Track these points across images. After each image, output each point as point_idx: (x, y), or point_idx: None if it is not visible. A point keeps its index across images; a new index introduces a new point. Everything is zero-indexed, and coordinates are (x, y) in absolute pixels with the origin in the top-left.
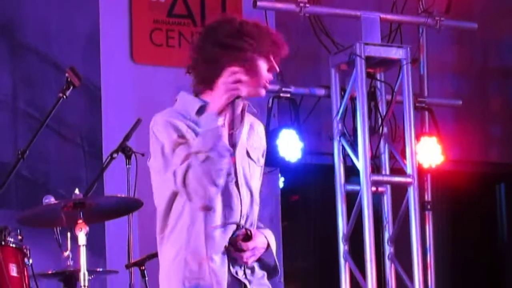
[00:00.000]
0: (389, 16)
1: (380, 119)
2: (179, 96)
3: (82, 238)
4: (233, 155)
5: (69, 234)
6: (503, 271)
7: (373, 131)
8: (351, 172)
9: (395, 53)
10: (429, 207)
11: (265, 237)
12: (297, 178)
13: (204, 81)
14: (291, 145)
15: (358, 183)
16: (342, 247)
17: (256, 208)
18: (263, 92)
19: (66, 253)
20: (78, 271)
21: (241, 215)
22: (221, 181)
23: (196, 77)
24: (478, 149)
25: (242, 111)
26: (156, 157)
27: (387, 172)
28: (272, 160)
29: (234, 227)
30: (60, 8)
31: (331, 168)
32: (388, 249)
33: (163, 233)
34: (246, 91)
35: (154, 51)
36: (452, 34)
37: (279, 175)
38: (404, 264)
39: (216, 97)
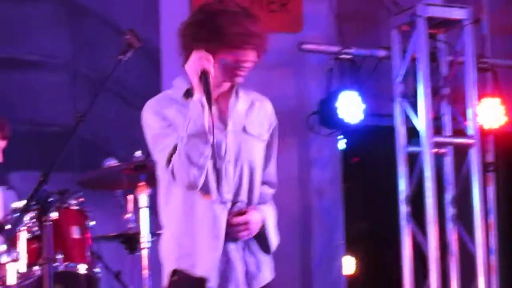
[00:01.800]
0: None
1: (441, 80)
2: (175, 81)
3: (143, 200)
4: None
5: (130, 196)
6: None
7: (435, 93)
8: (412, 134)
9: (457, 13)
10: (491, 168)
11: (262, 213)
12: (358, 140)
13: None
14: (352, 107)
15: (420, 144)
16: (404, 209)
17: (255, 183)
18: (236, 80)
19: (127, 215)
20: (139, 233)
21: (232, 192)
22: (201, 162)
23: (184, 62)
24: None
25: (232, 88)
26: (148, 141)
27: (449, 134)
28: (333, 122)
29: (228, 204)
30: None
31: (392, 130)
32: (450, 211)
33: (162, 209)
34: (221, 78)
35: None
36: None
37: (340, 136)
38: (466, 225)
39: (192, 82)
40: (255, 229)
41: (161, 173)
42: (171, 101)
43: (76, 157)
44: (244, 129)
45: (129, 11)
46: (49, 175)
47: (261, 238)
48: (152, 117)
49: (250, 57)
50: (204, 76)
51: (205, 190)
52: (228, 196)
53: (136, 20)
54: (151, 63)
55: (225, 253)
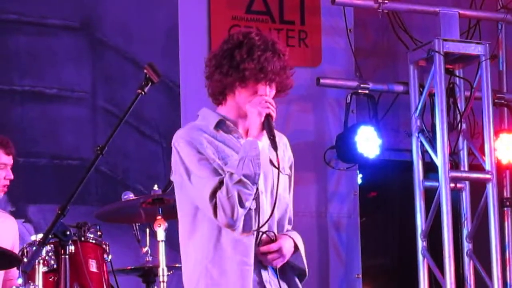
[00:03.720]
0: (468, 12)
1: (458, 116)
2: (200, 112)
3: (161, 234)
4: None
5: (148, 230)
6: None
7: (452, 128)
8: (430, 169)
9: (474, 49)
10: (508, 203)
11: (292, 239)
12: (376, 175)
13: (214, 96)
14: (369, 142)
15: (437, 179)
16: (421, 243)
17: (283, 213)
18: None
19: (145, 249)
20: (157, 266)
21: (260, 222)
22: (248, 204)
23: (209, 92)
24: None
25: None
26: (179, 172)
27: (466, 169)
28: (350, 156)
29: (255, 233)
30: (139, 5)
31: (409, 165)
32: (466, 246)
33: (185, 242)
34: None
35: None
36: None
37: (358, 171)
38: (483, 260)
39: (250, 122)
40: (288, 255)
41: (189, 203)
42: (201, 132)
43: (94, 191)
44: (271, 162)
45: (148, 45)
46: (67, 208)
47: (294, 264)
48: (185, 146)
49: (265, 92)
50: (267, 120)
51: (247, 225)
52: (255, 226)
53: (156, 54)
54: (170, 96)
55: (260, 283)
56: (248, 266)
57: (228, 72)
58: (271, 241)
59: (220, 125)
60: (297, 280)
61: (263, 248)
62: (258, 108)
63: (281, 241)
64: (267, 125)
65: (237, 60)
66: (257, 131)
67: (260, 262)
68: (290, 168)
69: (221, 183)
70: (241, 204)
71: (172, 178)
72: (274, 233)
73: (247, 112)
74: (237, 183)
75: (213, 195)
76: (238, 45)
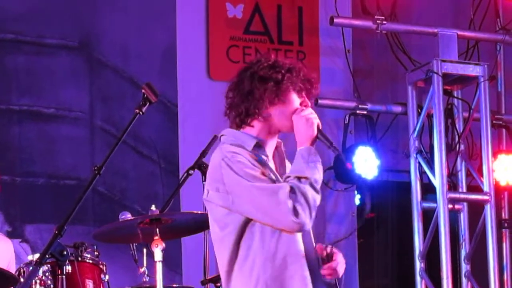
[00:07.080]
0: (467, 33)
1: (457, 136)
2: (226, 132)
3: (158, 254)
4: None
5: (145, 250)
6: None
7: (450, 148)
8: (428, 190)
9: (472, 70)
10: (506, 225)
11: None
12: (374, 195)
13: (248, 115)
14: (367, 162)
15: (435, 200)
16: (419, 265)
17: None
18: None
19: (142, 269)
20: (154, 287)
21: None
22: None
23: (239, 113)
24: None
25: (278, 148)
26: (228, 187)
27: (464, 190)
28: (348, 177)
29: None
30: (137, 24)
31: (407, 186)
32: (464, 267)
33: (231, 265)
34: (281, 124)
35: (231, 67)
36: None
37: (355, 192)
38: (481, 282)
39: (301, 132)
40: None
41: (236, 219)
42: (244, 150)
43: (91, 210)
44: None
45: (146, 65)
46: (64, 228)
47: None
48: (237, 161)
49: (307, 101)
50: (320, 130)
51: (284, 236)
52: (305, 238)
53: (154, 74)
54: (168, 116)
55: None
56: (309, 281)
57: (274, 85)
58: (329, 255)
59: (257, 146)
60: None
61: (334, 264)
62: (312, 119)
63: (340, 254)
64: (322, 134)
65: (280, 74)
66: (309, 142)
67: (319, 278)
68: None
69: (291, 187)
70: (315, 206)
71: (208, 197)
72: (331, 246)
73: (295, 123)
74: (310, 186)
75: (288, 198)
76: (272, 66)
